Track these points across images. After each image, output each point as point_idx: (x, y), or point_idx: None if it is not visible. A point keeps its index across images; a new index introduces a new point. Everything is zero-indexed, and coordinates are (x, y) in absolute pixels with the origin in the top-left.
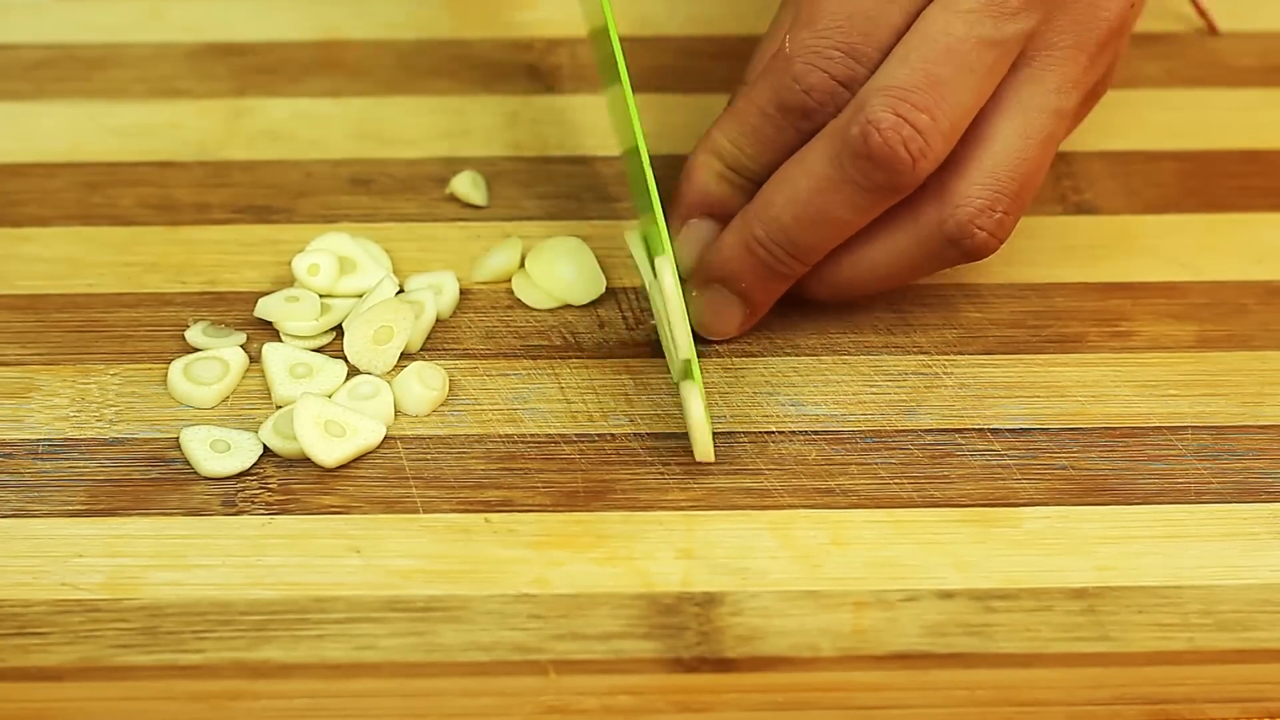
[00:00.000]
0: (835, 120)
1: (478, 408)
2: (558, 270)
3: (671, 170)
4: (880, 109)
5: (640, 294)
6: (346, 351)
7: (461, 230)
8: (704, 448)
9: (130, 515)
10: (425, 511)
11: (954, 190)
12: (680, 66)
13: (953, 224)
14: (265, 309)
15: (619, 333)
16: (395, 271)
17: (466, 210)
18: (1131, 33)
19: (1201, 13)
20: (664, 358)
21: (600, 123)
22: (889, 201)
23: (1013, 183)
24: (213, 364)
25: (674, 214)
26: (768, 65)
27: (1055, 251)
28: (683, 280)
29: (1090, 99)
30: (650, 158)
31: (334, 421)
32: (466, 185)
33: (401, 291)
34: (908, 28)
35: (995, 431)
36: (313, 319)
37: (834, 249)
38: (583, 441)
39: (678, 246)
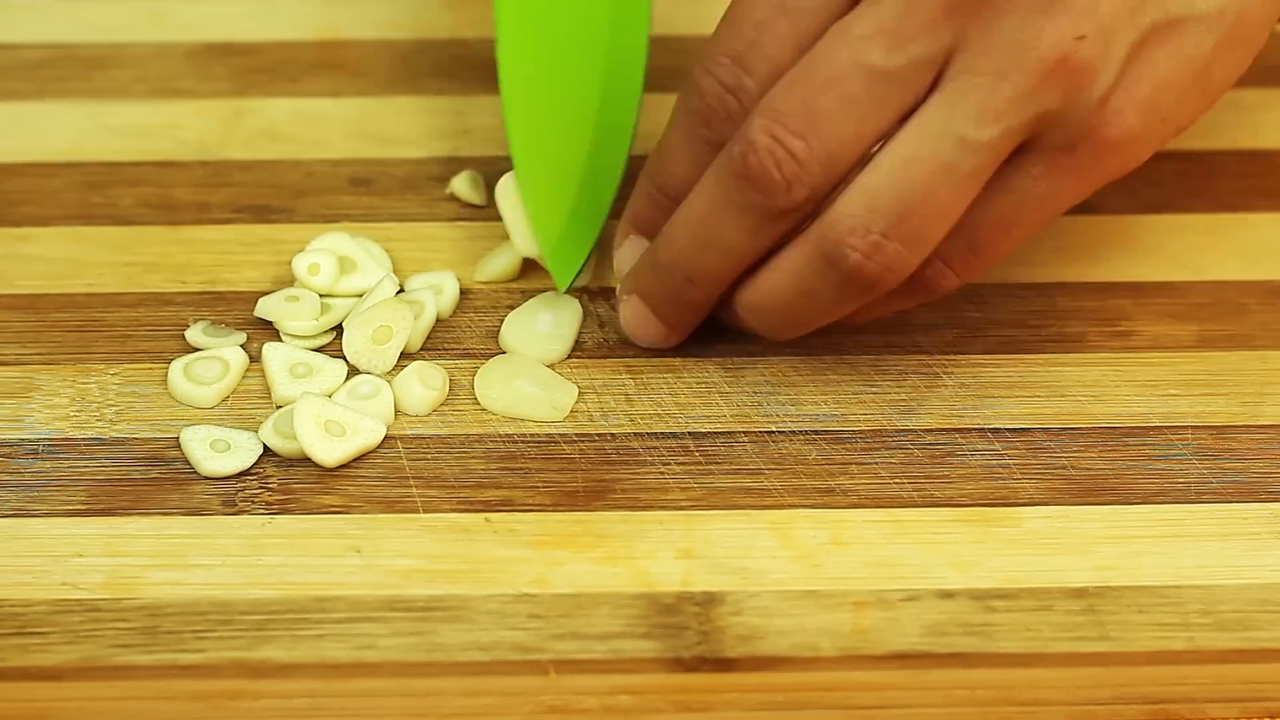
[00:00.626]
0: (728, 144)
1: (478, 408)
2: (517, 385)
3: None
4: (758, 131)
5: None
6: (346, 351)
7: (461, 230)
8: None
9: (130, 515)
10: (425, 511)
11: (831, 209)
12: (680, 66)
13: (827, 243)
14: (265, 309)
15: (619, 332)
16: (395, 271)
17: (466, 210)
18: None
19: None
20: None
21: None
22: (774, 227)
23: (892, 204)
24: (213, 364)
25: (620, 229)
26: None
27: (1055, 251)
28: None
29: (1064, 152)
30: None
31: (334, 421)
32: (466, 185)
33: (402, 291)
34: (798, 42)
35: (995, 431)
36: (313, 319)
37: (751, 271)
38: (583, 441)
39: (615, 257)
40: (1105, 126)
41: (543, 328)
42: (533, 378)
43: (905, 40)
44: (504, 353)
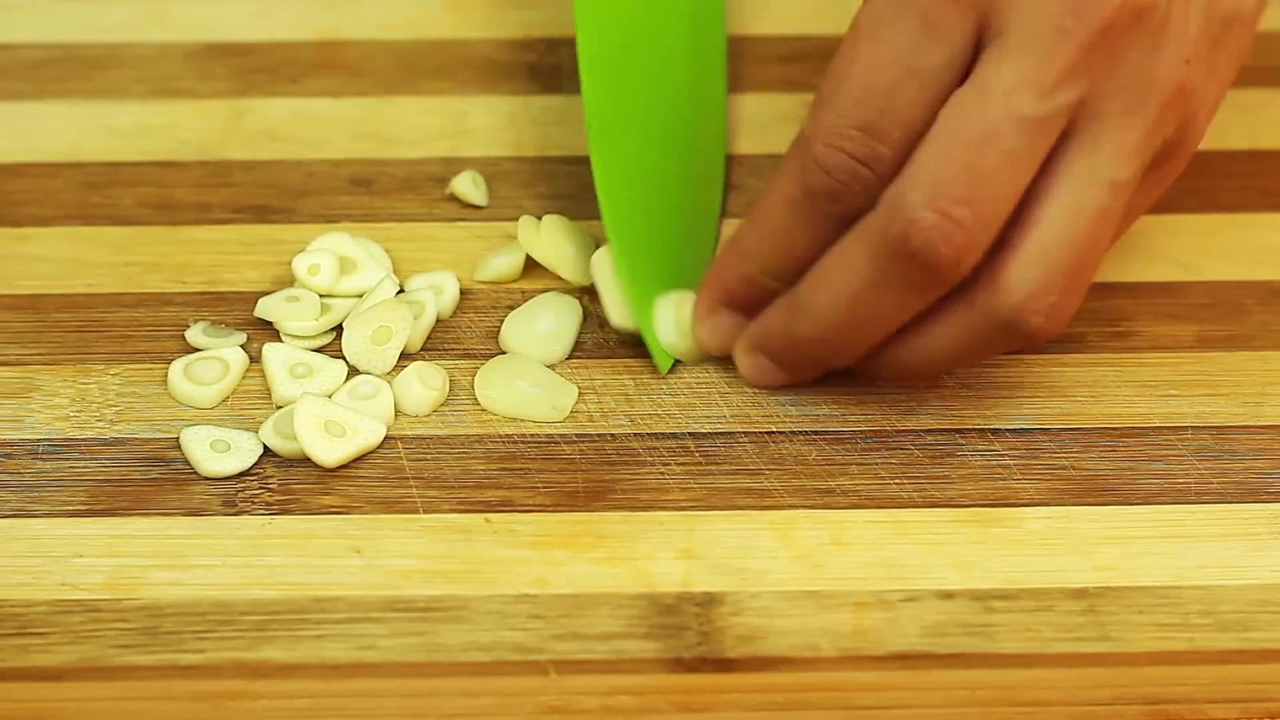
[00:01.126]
0: (873, 217)
1: (478, 408)
2: (518, 386)
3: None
4: (919, 207)
5: None
6: (345, 351)
7: (462, 230)
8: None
9: (130, 515)
10: (425, 511)
11: (1004, 276)
12: None
13: (1005, 310)
14: (265, 309)
15: (619, 333)
16: (395, 271)
17: (466, 210)
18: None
19: None
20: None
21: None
22: (935, 296)
23: (1066, 263)
24: (213, 364)
25: (700, 302)
26: (789, 152)
27: None
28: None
29: (1158, 168)
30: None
31: (334, 421)
32: (467, 185)
33: (402, 291)
34: (929, 102)
35: (995, 431)
36: (313, 319)
37: (894, 337)
38: (583, 441)
39: (702, 333)
40: (1194, 140)
41: (543, 328)
42: (533, 378)
43: (1051, 88)
44: (504, 353)
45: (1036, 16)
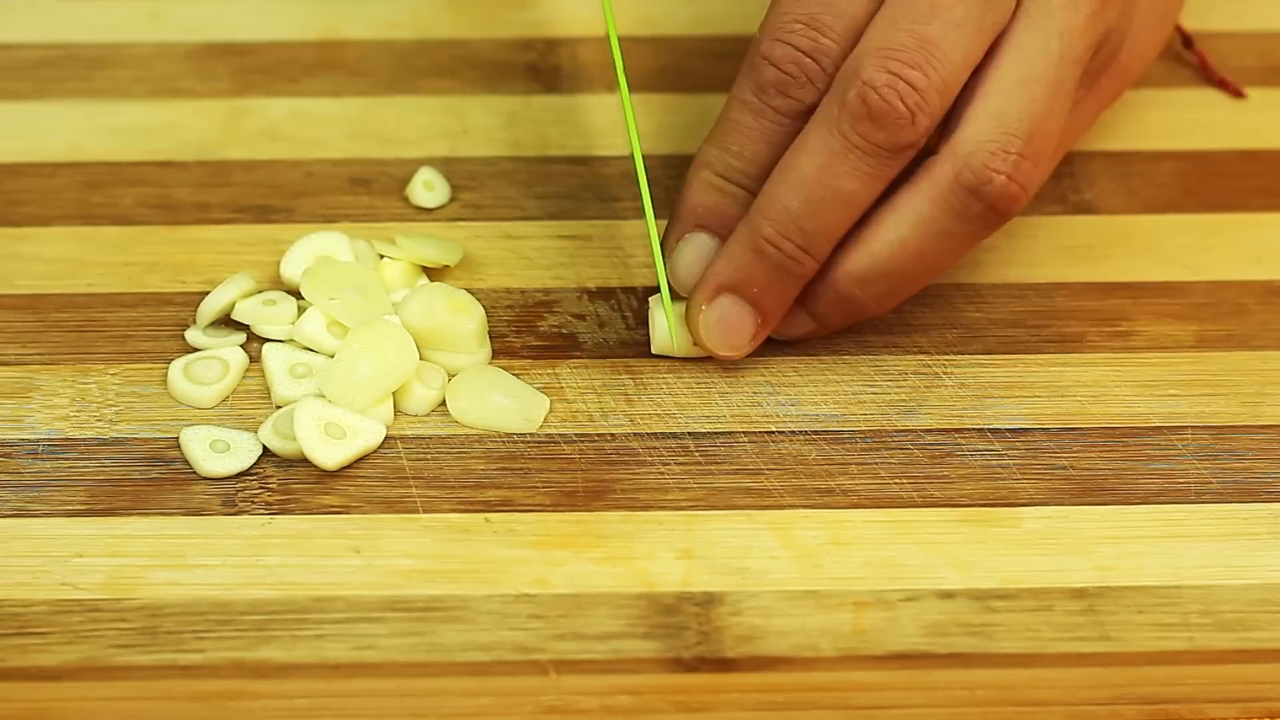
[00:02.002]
0: (827, 98)
1: None
2: (489, 397)
3: (671, 170)
4: (873, 69)
5: (639, 295)
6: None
7: (462, 230)
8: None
9: (130, 515)
10: (425, 511)
11: (959, 137)
12: (680, 66)
13: (968, 173)
14: (243, 312)
15: (619, 333)
16: None
17: (467, 210)
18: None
19: (1222, 82)
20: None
21: (600, 122)
22: (894, 165)
23: (1021, 124)
24: (213, 364)
25: (670, 230)
26: (747, 56)
27: (1055, 251)
28: (677, 296)
29: (1096, 78)
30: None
31: (334, 423)
32: (419, 190)
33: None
34: None
35: (995, 431)
36: (289, 322)
37: (852, 237)
38: (583, 441)
39: (674, 261)
40: (1128, 55)
41: (361, 375)
42: (505, 390)
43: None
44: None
45: None
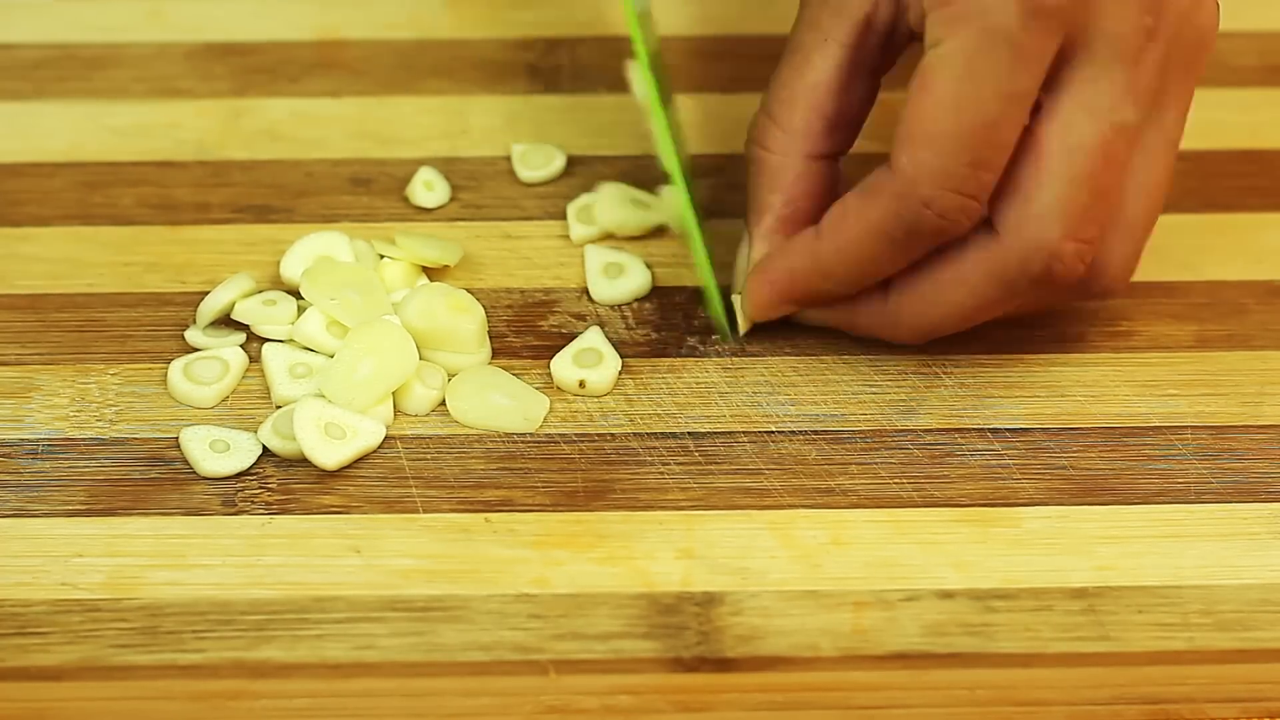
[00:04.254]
0: (995, 246)
1: None
2: (489, 397)
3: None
4: (1060, 241)
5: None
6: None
7: (463, 230)
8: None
9: (130, 515)
10: (425, 511)
11: (1100, 259)
12: (680, 66)
13: (1098, 289)
14: (243, 312)
15: (619, 333)
16: None
17: (466, 210)
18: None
19: None
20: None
21: (600, 122)
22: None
23: (1149, 228)
24: (213, 364)
25: (759, 299)
26: (882, 188)
27: None
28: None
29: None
30: (653, 157)
31: (334, 424)
32: (418, 189)
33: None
34: (1023, 123)
35: (995, 431)
36: (289, 322)
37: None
38: (583, 441)
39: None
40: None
41: (361, 375)
42: (505, 390)
43: (1146, 90)
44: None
45: (1121, 22)
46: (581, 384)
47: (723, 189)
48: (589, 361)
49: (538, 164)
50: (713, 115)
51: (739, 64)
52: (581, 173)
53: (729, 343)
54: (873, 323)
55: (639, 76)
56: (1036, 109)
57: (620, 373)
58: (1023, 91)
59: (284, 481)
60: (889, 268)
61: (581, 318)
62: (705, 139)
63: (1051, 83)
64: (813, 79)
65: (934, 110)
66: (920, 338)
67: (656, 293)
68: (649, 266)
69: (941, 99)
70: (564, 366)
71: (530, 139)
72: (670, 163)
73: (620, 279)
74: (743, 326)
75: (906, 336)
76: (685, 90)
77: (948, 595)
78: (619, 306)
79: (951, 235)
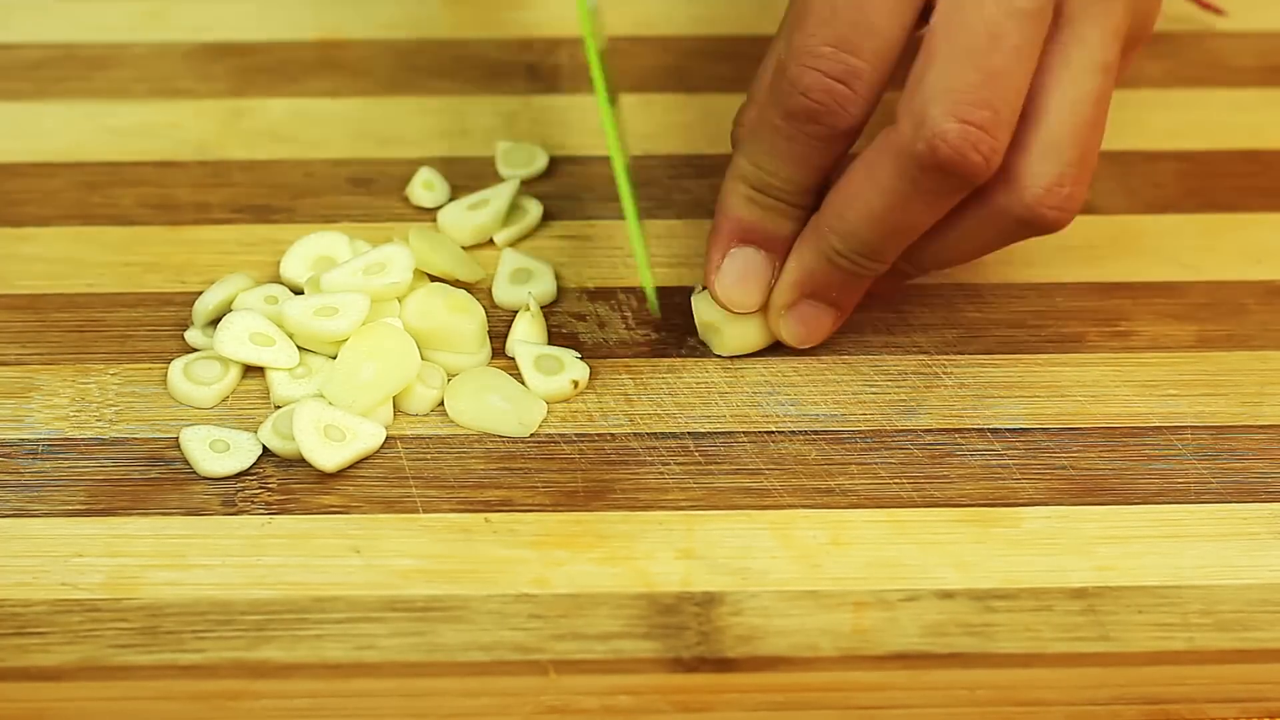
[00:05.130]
0: (892, 133)
1: None
2: (487, 399)
3: (672, 170)
4: (942, 119)
5: (639, 295)
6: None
7: None
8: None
9: (130, 515)
10: (425, 511)
11: (1019, 173)
12: (680, 66)
13: (1021, 206)
14: (242, 306)
15: (619, 333)
16: None
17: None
18: None
19: (1204, 4)
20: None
21: (599, 122)
22: (963, 195)
23: (1074, 150)
24: (213, 364)
25: (713, 244)
26: (773, 77)
27: (1055, 251)
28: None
29: (1129, 47)
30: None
31: (334, 425)
32: (417, 189)
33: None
34: (898, 9)
35: (995, 431)
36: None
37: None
38: (583, 441)
39: (721, 275)
40: (1153, 21)
41: (364, 378)
42: (503, 392)
43: None
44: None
45: None
46: (575, 384)
47: (718, 189)
48: (550, 368)
49: (520, 162)
50: (713, 115)
51: (739, 64)
52: (571, 172)
53: (656, 316)
54: (813, 247)
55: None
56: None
57: (621, 373)
58: None
59: (284, 481)
60: (795, 164)
61: (581, 317)
62: (705, 139)
63: None
64: None
65: None
66: (851, 245)
67: (657, 293)
68: (558, 277)
69: None
70: (541, 381)
71: (530, 139)
72: (615, 158)
73: (526, 284)
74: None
75: (840, 246)
76: (684, 90)
77: (948, 595)
78: (619, 306)
79: (832, 123)
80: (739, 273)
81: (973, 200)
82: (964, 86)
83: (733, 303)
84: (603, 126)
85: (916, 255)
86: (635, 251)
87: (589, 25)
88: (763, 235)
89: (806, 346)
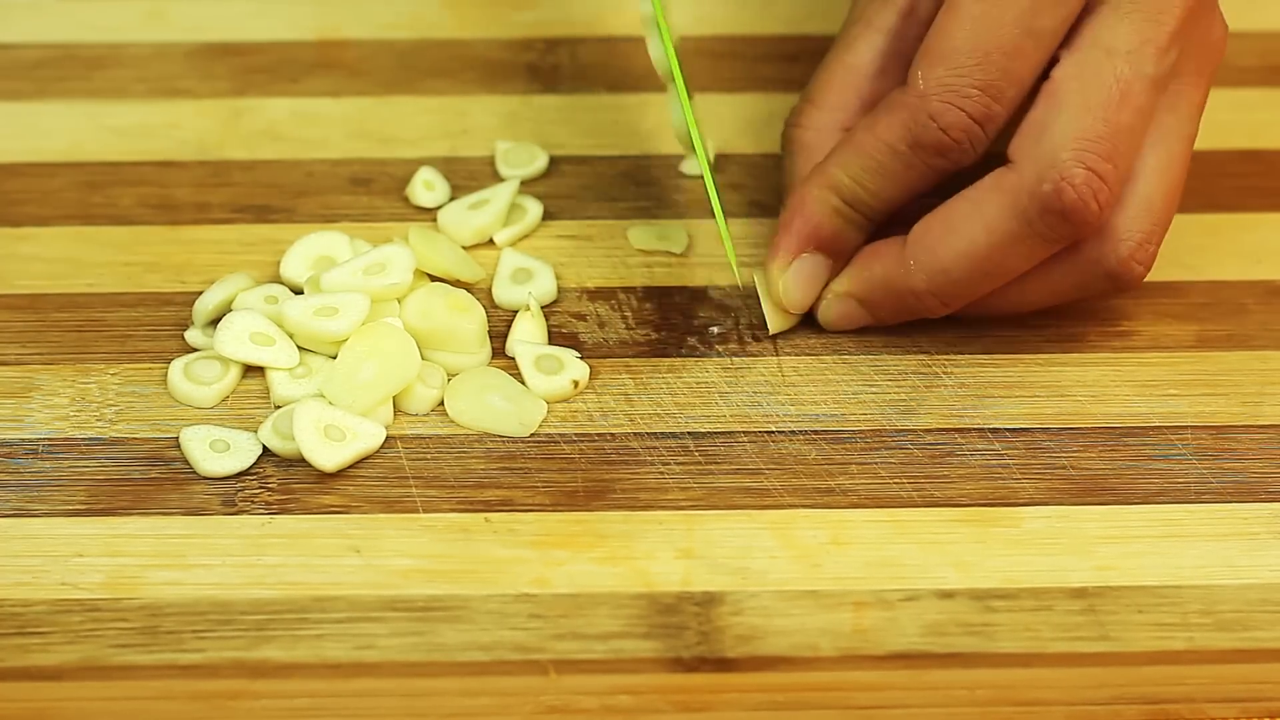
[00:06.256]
0: (1012, 173)
1: None
2: (487, 399)
3: (672, 170)
4: (1071, 164)
5: (639, 294)
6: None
7: None
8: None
9: (130, 515)
10: (425, 511)
11: (1115, 227)
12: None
13: (1113, 260)
14: (243, 304)
15: (619, 333)
16: None
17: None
18: None
19: None
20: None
21: (601, 122)
22: (1065, 244)
23: (1165, 212)
24: (213, 364)
25: (782, 245)
26: (894, 100)
27: None
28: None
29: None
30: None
31: (334, 425)
32: (418, 188)
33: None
34: (1041, 63)
35: (995, 431)
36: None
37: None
38: (583, 441)
39: (788, 279)
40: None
41: (364, 377)
42: (503, 392)
43: (1165, 48)
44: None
45: None
46: (575, 384)
47: (721, 188)
48: (551, 368)
49: (520, 162)
50: (713, 115)
51: (739, 64)
52: (571, 172)
53: (742, 286)
54: (888, 271)
55: (658, 48)
56: (1056, 64)
57: (621, 373)
58: (1042, 29)
59: (284, 481)
60: (896, 186)
61: (581, 317)
62: (706, 139)
63: (1072, 33)
64: (851, 61)
65: (953, 28)
66: (935, 283)
67: (657, 293)
68: (558, 277)
69: (963, 19)
70: (541, 381)
71: (530, 139)
72: (694, 134)
73: (526, 284)
74: (773, 325)
75: (921, 282)
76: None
77: (948, 595)
78: (619, 306)
79: (956, 160)
80: (806, 276)
81: (1064, 250)
82: (1094, 136)
83: (791, 303)
84: (683, 116)
85: (984, 303)
86: (720, 232)
87: (662, 17)
88: (837, 245)
89: (834, 329)
